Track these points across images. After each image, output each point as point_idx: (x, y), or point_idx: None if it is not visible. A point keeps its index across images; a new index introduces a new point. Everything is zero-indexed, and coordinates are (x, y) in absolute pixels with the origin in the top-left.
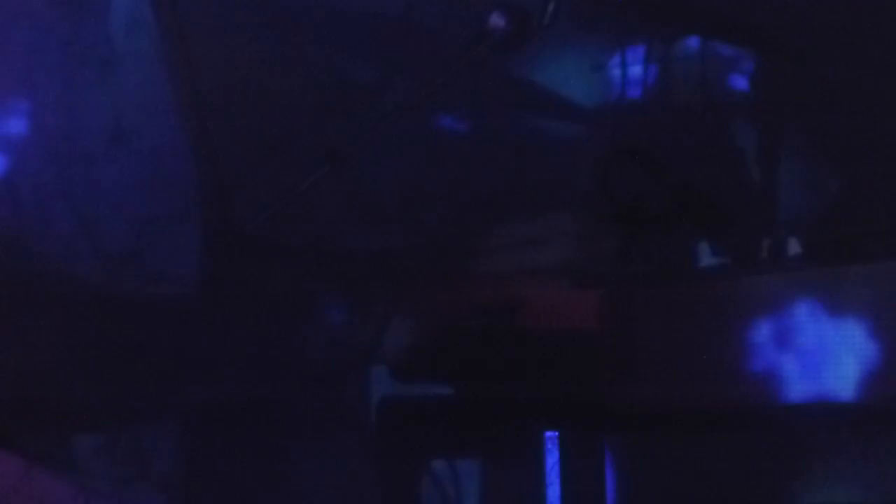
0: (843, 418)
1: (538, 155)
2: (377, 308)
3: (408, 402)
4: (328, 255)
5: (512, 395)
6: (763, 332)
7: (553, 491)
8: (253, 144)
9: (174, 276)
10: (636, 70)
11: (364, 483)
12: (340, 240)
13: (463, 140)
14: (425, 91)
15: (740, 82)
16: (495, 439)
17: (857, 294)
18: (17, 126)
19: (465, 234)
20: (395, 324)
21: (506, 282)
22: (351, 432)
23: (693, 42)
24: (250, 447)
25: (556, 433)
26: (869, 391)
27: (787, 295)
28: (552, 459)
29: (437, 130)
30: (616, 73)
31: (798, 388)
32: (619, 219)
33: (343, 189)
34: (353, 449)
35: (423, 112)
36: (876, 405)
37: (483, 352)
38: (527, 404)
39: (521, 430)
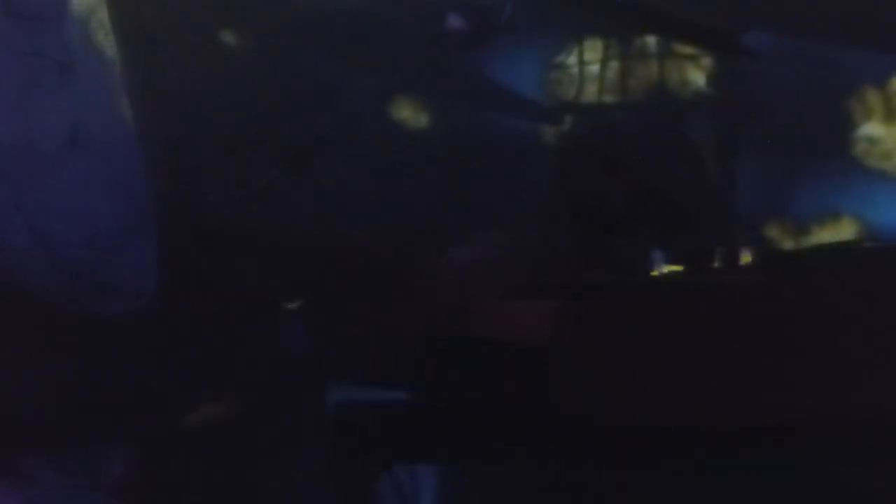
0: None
1: (497, 154)
2: (333, 312)
3: (364, 407)
4: (287, 252)
5: (466, 403)
6: (715, 339)
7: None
8: (215, 142)
9: (129, 289)
10: (594, 69)
11: (321, 487)
12: (301, 237)
13: (423, 139)
14: (386, 90)
15: (699, 81)
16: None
17: (807, 302)
18: None
19: (423, 235)
20: (350, 329)
21: (461, 287)
22: (308, 438)
23: (651, 41)
24: (205, 450)
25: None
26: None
27: (739, 303)
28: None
29: (398, 129)
30: (575, 71)
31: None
32: (578, 219)
33: (303, 186)
34: (310, 454)
35: (384, 111)
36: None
37: (438, 359)
38: (480, 413)
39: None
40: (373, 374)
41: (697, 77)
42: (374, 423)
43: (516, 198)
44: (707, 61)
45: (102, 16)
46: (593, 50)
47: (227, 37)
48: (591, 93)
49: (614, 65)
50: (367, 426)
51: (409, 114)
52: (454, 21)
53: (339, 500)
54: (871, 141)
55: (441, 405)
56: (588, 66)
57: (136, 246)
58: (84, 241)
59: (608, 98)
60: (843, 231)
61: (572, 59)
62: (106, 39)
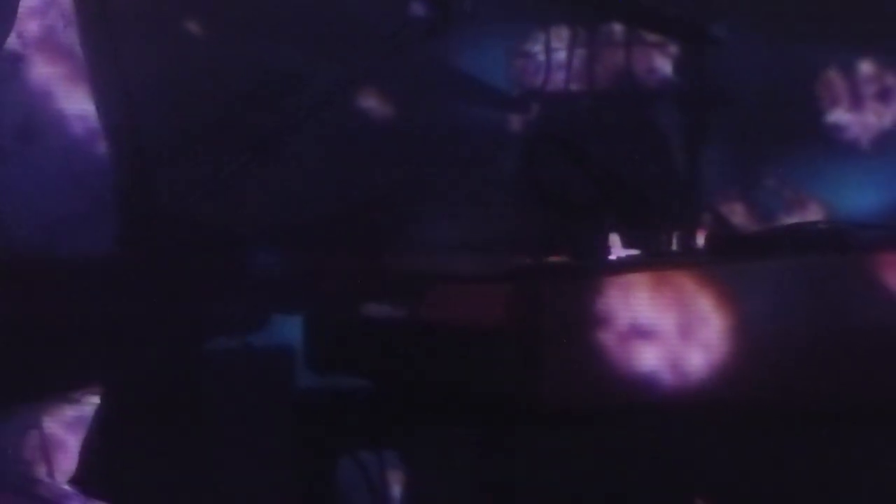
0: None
1: (461, 141)
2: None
3: (325, 393)
4: (248, 239)
5: (422, 387)
6: (669, 324)
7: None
8: (178, 131)
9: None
10: (560, 56)
11: (285, 474)
12: (262, 225)
13: (387, 127)
14: (349, 78)
15: (664, 69)
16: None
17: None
18: None
19: (385, 223)
20: (310, 315)
21: (421, 272)
22: (270, 425)
23: (617, 28)
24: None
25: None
26: (771, 383)
27: (693, 288)
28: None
29: (361, 117)
30: (540, 59)
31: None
32: (541, 205)
33: (266, 175)
34: (273, 441)
35: (348, 99)
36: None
37: (396, 344)
38: (436, 397)
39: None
40: (334, 359)
41: (663, 65)
42: (335, 408)
43: (481, 185)
44: (673, 49)
45: (63, 5)
46: (559, 37)
47: (191, 26)
48: (556, 81)
49: (580, 52)
50: (329, 411)
51: (373, 102)
52: (417, 9)
53: (301, 483)
54: (838, 127)
55: (399, 391)
56: (554, 54)
57: (93, 233)
58: (40, 228)
59: (573, 86)
60: (809, 216)
61: (538, 47)
62: (66, 30)
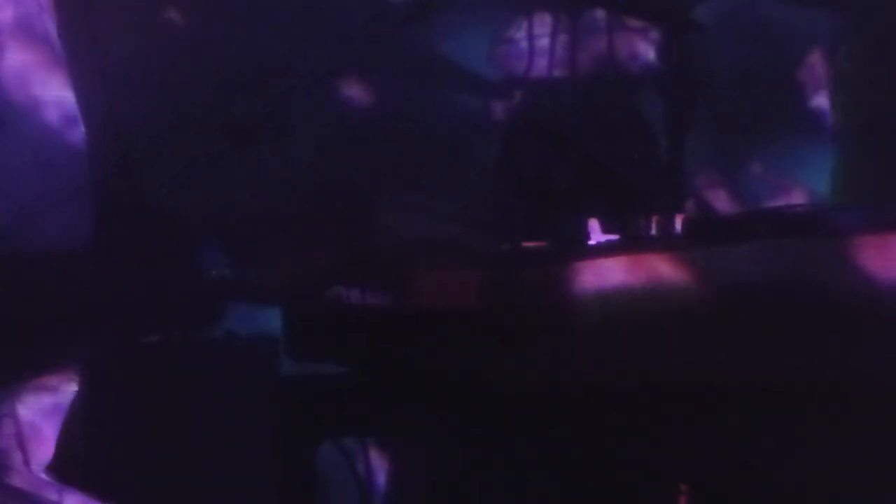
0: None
1: (444, 128)
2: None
3: (307, 381)
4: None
5: (401, 373)
6: (643, 307)
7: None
8: (160, 118)
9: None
10: (543, 42)
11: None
12: (242, 210)
13: (369, 113)
14: (331, 65)
15: (647, 55)
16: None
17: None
18: None
19: (367, 207)
20: (290, 302)
21: (400, 257)
22: (255, 412)
23: (600, 14)
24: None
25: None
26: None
27: (669, 271)
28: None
29: (343, 103)
30: (523, 45)
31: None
32: (523, 191)
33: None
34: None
35: (329, 85)
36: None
37: (374, 330)
38: (416, 383)
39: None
40: (314, 347)
41: (646, 50)
42: (317, 394)
43: (463, 170)
44: (655, 35)
45: None
46: (541, 23)
47: (171, 14)
48: (539, 67)
49: (562, 38)
50: (310, 397)
51: (354, 89)
52: None
53: (282, 468)
54: (820, 111)
55: (378, 377)
56: (536, 40)
57: (66, 216)
58: (9, 212)
59: (556, 72)
60: (792, 200)
61: (520, 34)
62: (41, 16)
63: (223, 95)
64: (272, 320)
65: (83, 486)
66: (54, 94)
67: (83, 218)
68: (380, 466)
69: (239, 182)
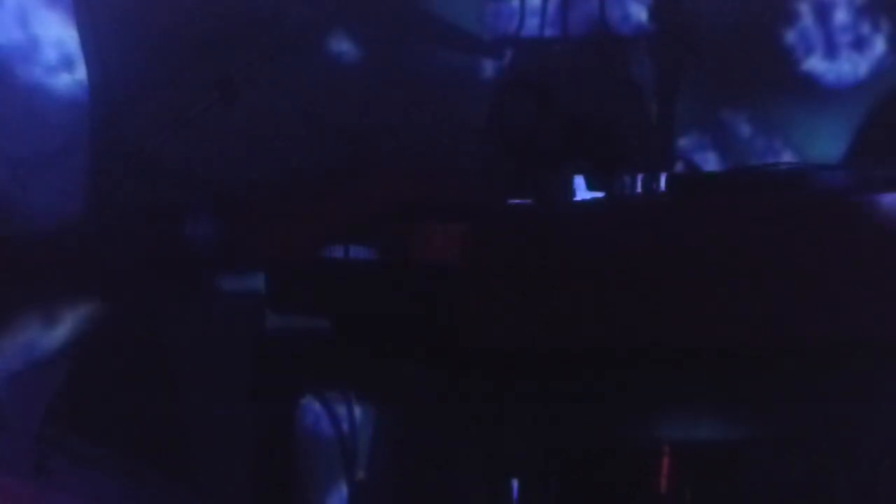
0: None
1: (432, 85)
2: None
3: (287, 336)
4: (213, 182)
5: (383, 328)
6: (625, 268)
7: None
8: (145, 73)
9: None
10: (534, 1)
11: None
12: (227, 168)
13: (356, 70)
14: (319, 20)
15: (638, 16)
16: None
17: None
18: None
19: (354, 164)
20: (271, 255)
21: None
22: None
23: None
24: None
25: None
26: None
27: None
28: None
29: (331, 60)
30: (514, 4)
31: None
32: (510, 150)
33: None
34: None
35: (317, 41)
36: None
37: (358, 286)
38: (398, 337)
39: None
40: (294, 301)
41: (638, 11)
42: (296, 348)
43: (450, 129)
44: None
45: None
46: None
47: None
48: (530, 26)
49: None
50: (289, 352)
51: (343, 45)
52: None
53: (261, 422)
54: (813, 75)
55: (360, 331)
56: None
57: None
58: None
59: (547, 31)
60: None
61: None
62: None
63: (210, 48)
64: (256, 276)
65: (73, 433)
66: (54, 33)
67: (80, 173)
68: (362, 421)
69: (226, 138)
